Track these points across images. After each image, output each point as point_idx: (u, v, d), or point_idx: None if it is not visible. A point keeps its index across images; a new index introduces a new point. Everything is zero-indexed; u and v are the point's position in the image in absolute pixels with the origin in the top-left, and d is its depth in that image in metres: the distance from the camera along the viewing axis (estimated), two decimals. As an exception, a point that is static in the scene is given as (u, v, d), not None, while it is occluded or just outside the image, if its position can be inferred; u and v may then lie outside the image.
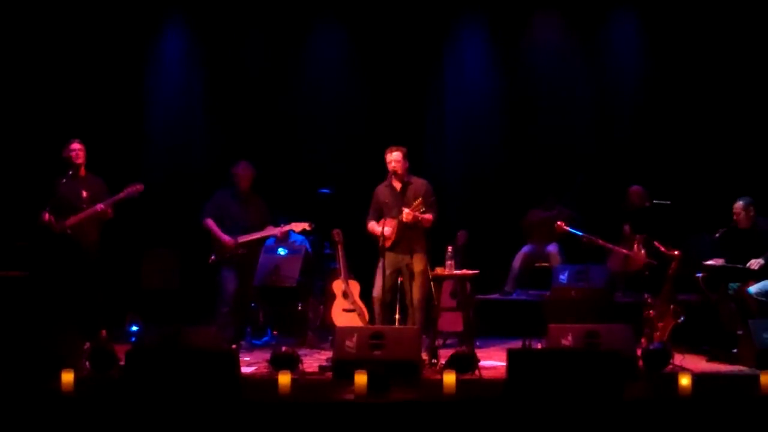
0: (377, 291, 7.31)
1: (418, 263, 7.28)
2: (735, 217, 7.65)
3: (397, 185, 7.40)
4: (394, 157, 7.33)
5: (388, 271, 7.26)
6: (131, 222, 8.33)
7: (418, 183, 7.41)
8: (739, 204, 7.64)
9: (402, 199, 7.32)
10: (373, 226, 7.40)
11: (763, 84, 9.06)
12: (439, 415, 5.48)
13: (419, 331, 6.85)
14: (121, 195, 7.69)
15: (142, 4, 9.44)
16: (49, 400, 5.63)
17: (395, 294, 7.35)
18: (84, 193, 7.73)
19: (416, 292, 7.27)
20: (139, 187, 7.71)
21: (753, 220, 7.61)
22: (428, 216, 7.20)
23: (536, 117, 9.70)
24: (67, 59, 9.23)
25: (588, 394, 5.62)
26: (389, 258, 7.26)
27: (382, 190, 7.48)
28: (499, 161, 9.70)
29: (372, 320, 7.45)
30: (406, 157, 7.37)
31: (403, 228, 7.20)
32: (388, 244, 7.25)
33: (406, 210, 7.11)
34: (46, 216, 7.57)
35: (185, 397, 5.60)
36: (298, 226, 7.92)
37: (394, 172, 7.35)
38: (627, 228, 8.58)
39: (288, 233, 8.11)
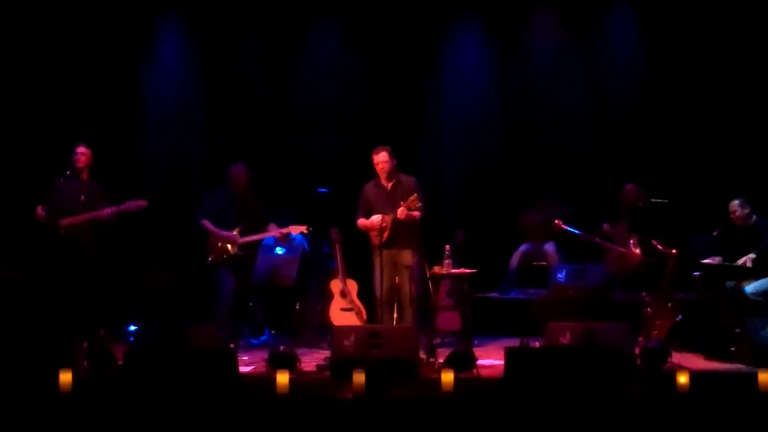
0: (378, 291, 7.32)
1: (410, 260, 7.30)
2: (731, 216, 7.66)
3: (387, 184, 7.43)
4: (381, 158, 7.37)
5: (385, 270, 7.30)
6: (129, 222, 8.31)
7: (407, 180, 7.44)
8: (734, 203, 7.65)
9: (392, 197, 7.33)
10: (365, 221, 7.42)
11: (760, 83, 9.06)
12: (437, 414, 5.48)
13: (415, 329, 6.87)
14: (123, 207, 7.73)
15: (137, 3, 9.42)
16: (47, 399, 5.63)
17: (394, 293, 7.37)
18: (82, 197, 7.75)
19: (407, 289, 7.29)
20: (142, 203, 7.75)
21: (750, 219, 7.62)
22: (416, 213, 7.22)
23: (534, 115, 9.69)
24: (64, 59, 9.20)
25: (586, 392, 5.64)
26: (385, 256, 7.30)
27: (371, 189, 7.50)
28: (496, 160, 9.69)
29: (377, 321, 7.43)
30: (393, 155, 7.39)
31: (397, 225, 7.22)
32: (385, 236, 7.24)
33: (402, 207, 7.12)
34: (41, 211, 7.60)
35: (183, 396, 5.62)
36: (296, 229, 7.96)
37: (384, 172, 7.37)
38: (621, 226, 8.57)
39: (287, 234, 8.13)
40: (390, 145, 7.49)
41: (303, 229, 7.96)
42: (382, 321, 7.32)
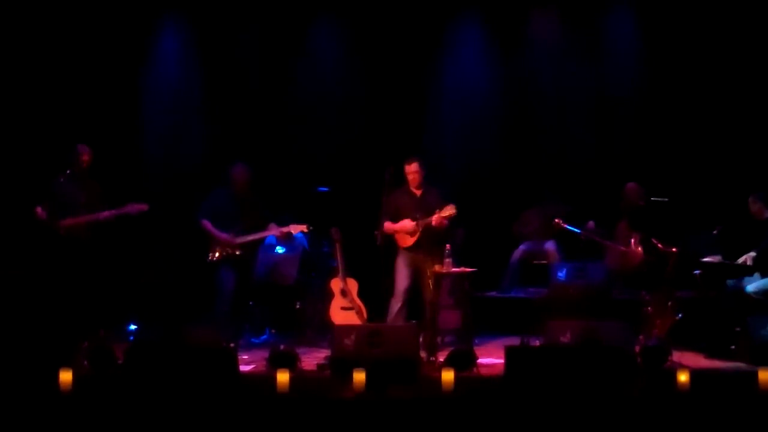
0: (401, 286, 7.57)
1: (434, 267, 7.51)
2: (750, 211, 7.65)
3: (417, 192, 7.67)
4: (413, 168, 7.62)
5: (407, 272, 7.58)
6: (130, 222, 8.31)
7: (434, 191, 7.67)
8: (750, 198, 7.66)
9: (422, 204, 7.57)
10: (392, 225, 7.61)
11: (760, 81, 9.05)
12: (438, 412, 5.49)
13: (417, 328, 6.94)
14: (124, 210, 7.74)
15: (138, 3, 9.41)
16: (47, 399, 5.63)
17: (410, 294, 7.60)
18: (83, 198, 7.76)
19: (429, 293, 7.52)
20: (143, 207, 7.76)
21: (764, 214, 7.58)
22: (446, 223, 7.45)
23: (534, 114, 9.69)
24: (63, 57, 9.19)
25: (586, 390, 5.64)
26: (410, 257, 7.58)
27: (400, 197, 7.69)
28: (496, 158, 9.69)
29: (385, 314, 7.59)
30: (423, 165, 7.65)
31: (427, 231, 7.45)
32: (415, 239, 7.50)
33: (438, 214, 7.35)
34: (41, 211, 7.61)
35: (184, 395, 5.62)
36: (296, 228, 7.98)
37: (414, 182, 7.62)
38: (622, 225, 8.57)
39: (287, 234, 8.13)
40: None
41: (303, 228, 7.98)
42: (392, 316, 7.48)
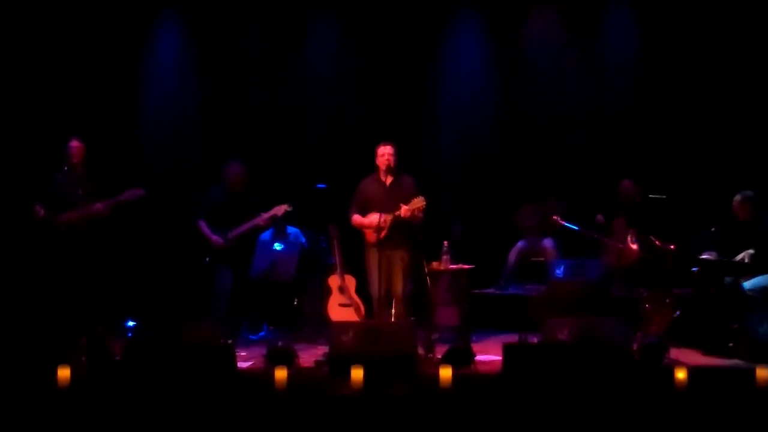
0: (375, 290, 7.32)
1: (404, 258, 7.32)
2: (734, 211, 7.65)
3: (387, 180, 7.41)
4: (387, 150, 7.35)
5: (379, 270, 7.26)
6: (128, 218, 8.31)
7: (406, 179, 7.42)
8: (737, 198, 7.64)
9: (391, 194, 7.31)
10: (361, 219, 7.40)
11: (758, 79, 9.06)
12: (435, 409, 5.49)
13: (413, 325, 6.88)
14: (121, 198, 7.74)
15: (136, -1, 9.43)
16: (45, 395, 5.63)
17: (390, 291, 7.42)
18: (80, 191, 7.75)
19: (400, 286, 7.34)
20: (140, 192, 7.76)
21: (753, 214, 7.59)
22: (420, 215, 7.18)
23: (532, 111, 9.69)
24: (62, 54, 9.18)
25: (584, 387, 5.64)
26: (380, 255, 7.28)
27: (369, 185, 7.47)
28: (494, 155, 9.70)
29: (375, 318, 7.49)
30: (397, 151, 7.40)
31: (395, 224, 7.22)
32: (383, 235, 7.23)
33: (404, 206, 7.12)
34: (39, 209, 7.60)
35: (182, 391, 5.62)
36: (279, 210, 7.90)
37: (388, 167, 7.35)
38: (618, 222, 8.58)
39: (281, 224, 8.09)
40: (388, 140, 7.50)
41: (285, 207, 7.91)
42: (380, 319, 7.33)
